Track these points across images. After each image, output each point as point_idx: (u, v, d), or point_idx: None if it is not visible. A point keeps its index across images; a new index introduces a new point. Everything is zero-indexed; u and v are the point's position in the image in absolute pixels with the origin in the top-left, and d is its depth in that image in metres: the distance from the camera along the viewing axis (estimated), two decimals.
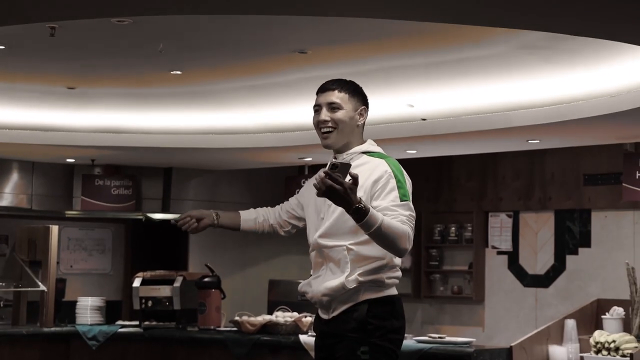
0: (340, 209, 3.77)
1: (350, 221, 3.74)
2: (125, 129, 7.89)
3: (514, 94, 6.39)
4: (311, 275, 4.00)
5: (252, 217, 4.25)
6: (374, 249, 3.81)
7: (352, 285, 3.81)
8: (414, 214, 3.77)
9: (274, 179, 9.79)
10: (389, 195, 3.77)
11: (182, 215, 4.13)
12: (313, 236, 3.94)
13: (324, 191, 3.52)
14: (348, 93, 3.95)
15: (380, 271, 3.83)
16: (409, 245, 3.67)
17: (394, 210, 3.71)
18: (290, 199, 4.26)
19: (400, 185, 3.78)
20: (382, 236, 3.60)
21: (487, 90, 6.38)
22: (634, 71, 5.65)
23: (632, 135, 7.40)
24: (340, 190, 3.49)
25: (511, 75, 5.98)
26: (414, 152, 8.16)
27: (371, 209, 3.56)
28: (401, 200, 3.75)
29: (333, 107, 3.93)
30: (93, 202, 9.13)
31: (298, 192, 4.31)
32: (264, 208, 4.29)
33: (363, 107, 3.98)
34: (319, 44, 5.28)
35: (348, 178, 3.55)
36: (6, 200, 8.98)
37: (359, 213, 3.53)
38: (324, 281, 3.88)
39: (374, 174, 3.82)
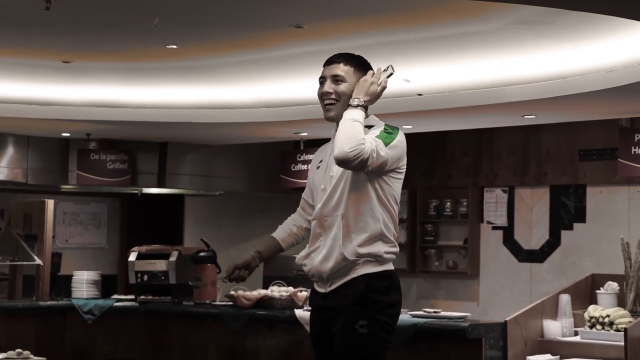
0: (339, 180, 3.84)
1: (348, 193, 3.81)
2: (120, 104, 7.88)
3: (510, 69, 6.38)
4: (307, 247, 4.03)
5: (287, 233, 4.20)
6: (372, 220, 3.84)
7: (351, 257, 3.84)
8: (383, 154, 3.80)
9: (269, 154, 9.78)
10: (369, 133, 3.86)
11: (229, 271, 4.13)
12: (317, 207, 3.97)
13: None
14: (353, 66, 3.98)
15: (377, 242, 3.85)
16: (349, 149, 3.74)
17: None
18: (303, 194, 4.24)
19: (383, 134, 3.84)
20: (343, 127, 3.81)
21: (483, 66, 6.37)
22: (630, 46, 5.64)
23: (628, 111, 7.40)
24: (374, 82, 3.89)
25: (507, 51, 5.97)
26: (410, 127, 8.15)
27: (362, 110, 3.85)
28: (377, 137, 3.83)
29: (337, 79, 3.97)
30: (88, 177, 9.11)
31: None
32: (290, 217, 4.25)
33: None
34: (316, 18, 5.26)
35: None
36: (1, 175, 8.97)
37: (357, 104, 3.83)
38: (322, 253, 3.90)
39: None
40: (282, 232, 4.20)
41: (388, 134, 3.88)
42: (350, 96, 3.94)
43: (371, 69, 4.03)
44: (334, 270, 3.88)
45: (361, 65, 4.01)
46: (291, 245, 4.23)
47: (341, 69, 3.97)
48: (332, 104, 3.97)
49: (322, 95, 3.99)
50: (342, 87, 3.96)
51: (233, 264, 4.13)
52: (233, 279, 4.12)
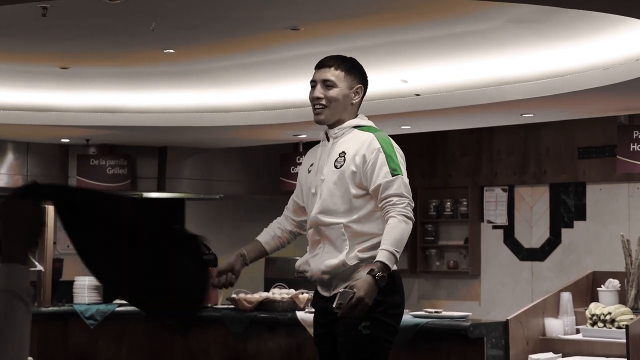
0: (330, 184, 3.83)
1: (343, 199, 3.80)
2: (119, 109, 7.88)
3: (507, 68, 6.39)
4: (307, 253, 4.01)
5: (271, 236, 4.20)
6: (371, 226, 3.83)
7: (352, 262, 3.83)
8: (408, 187, 3.80)
9: (269, 156, 9.79)
10: (380, 171, 3.79)
11: (214, 277, 4.06)
12: (312, 213, 3.95)
13: (360, 310, 3.66)
14: (344, 71, 3.95)
15: (378, 246, 3.84)
16: (411, 222, 3.77)
17: (389, 200, 3.75)
18: (292, 196, 4.24)
19: (389, 160, 3.81)
20: (402, 246, 3.74)
21: (481, 65, 6.37)
22: (627, 43, 5.65)
23: (626, 108, 7.40)
24: (361, 305, 3.63)
25: (504, 50, 5.97)
26: (409, 127, 8.16)
27: (379, 261, 3.68)
28: (392, 175, 3.78)
29: (327, 84, 3.93)
30: (88, 182, 9.12)
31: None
32: (276, 220, 4.24)
33: (359, 85, 3.97)
34: (311, 20, 5.27)
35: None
36: (1, 181, 8.97)
37: (383, 274, 3.66)
38: (323, 259, 3.89)
39: (362, 149, 3.84)
40: (267, 236, 4.19)
41: (388, 157, 3.81)
42: (340, 101, 3.92)
43: (362, 72, 4.00)
44: (335, 275, 3.87)
45: (351, 69, 3.98)
46: (275, 249, 4.22)
47: (332, 74, 3.93)
48: (322, 109, 3.94)
49: (313, 100, 3.97)
50: (332, 92, 3.93)
51: (217, 269, 4.08)
52: (220, 285, 4.05)
